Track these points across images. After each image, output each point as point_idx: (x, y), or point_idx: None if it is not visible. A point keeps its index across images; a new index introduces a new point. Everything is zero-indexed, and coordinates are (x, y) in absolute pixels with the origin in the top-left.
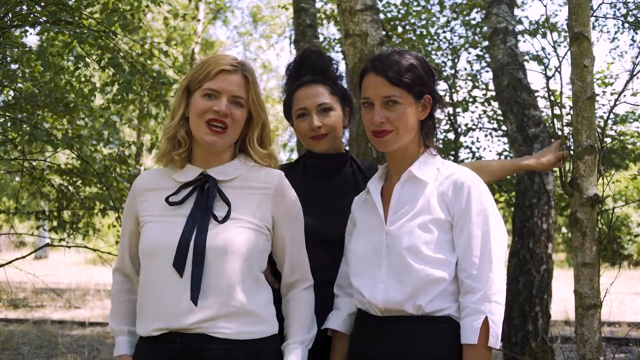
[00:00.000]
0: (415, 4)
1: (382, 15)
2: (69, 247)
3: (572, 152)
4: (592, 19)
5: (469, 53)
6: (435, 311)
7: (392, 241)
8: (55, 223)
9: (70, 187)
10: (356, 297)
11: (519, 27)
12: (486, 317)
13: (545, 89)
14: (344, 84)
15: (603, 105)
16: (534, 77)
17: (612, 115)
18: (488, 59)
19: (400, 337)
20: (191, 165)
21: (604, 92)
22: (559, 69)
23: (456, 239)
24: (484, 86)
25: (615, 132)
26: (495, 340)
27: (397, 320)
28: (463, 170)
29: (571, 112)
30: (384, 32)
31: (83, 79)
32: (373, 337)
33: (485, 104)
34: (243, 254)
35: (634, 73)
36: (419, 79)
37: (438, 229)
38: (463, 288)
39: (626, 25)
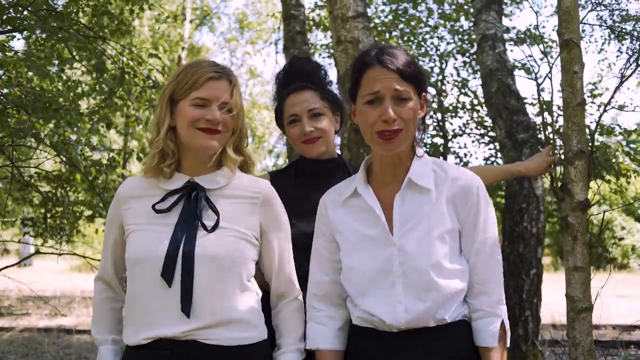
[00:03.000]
0: (401, 11)
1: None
2: (60, 254)
3: (562, 157)
4: (582, 26)
5: (456, 59)
6: (454, 318)
7: (409, 259)
8: (41, 230)
9: (57, 193)
10: (359, 315)
11: (507, 36)
12: (502, 319)
13: (536, 96)
14: (334, 89)
15: (591, 114)
16: (522, 85)
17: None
18: (475, 67)
19: (418, 348)
20: (178, 174)
21: (593, 102)
22: (549, 75)
23: (467, 244)
24: (471, 93)
25: (600, 142)
26: (508, 340)
27: (415, 333)
28: (465, 173)
29: (560, 118)
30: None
31: (71, 84)
32: (384, 353)
33: (473, 110)
34: (232, 263)
35: (623, 79)
36: (421, 74)
37: (451, 239)
38: (474, 290)
39: (612, 36)
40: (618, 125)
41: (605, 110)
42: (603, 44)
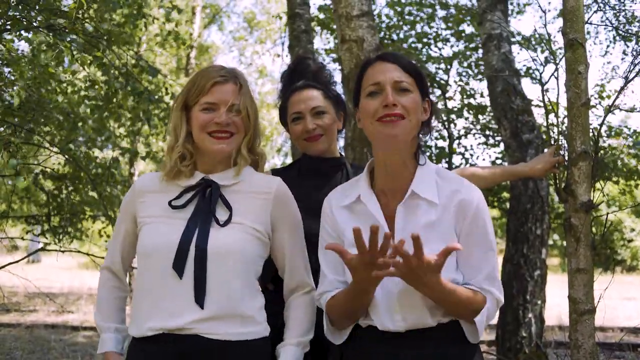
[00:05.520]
0: (406, 12)
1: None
2: (63, 251)
3: (566, 158)
4: (587, 26)
5: (460, 64)
6: (450, 319)
7: None
8: (46, 227)
9: (62, 192)
10: (362, 320)
11: (512, 39)
12: (488, 298)
13: (540, 98)
14: (338, 89)
15: (599, 117)
16: (527, 86)
17: (605, 127)
18: (477, 71)
19: (420, 345)
20: (195, 171)
21: (600, 104)
22: (555, 75)
23: (462, 259)
24: (473, 98)
25: (607, 145)
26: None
27: (417, 332)
28: (465, 185)
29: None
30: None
31: (73, 87)
32: (386, 349)
33: (478, 112)
34: (242, 258)
35: (627, 81)
36: (423, 75)
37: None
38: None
39: (617, 38)
40: (627, 127)
41: (609, 111)
42: (608, 46)
